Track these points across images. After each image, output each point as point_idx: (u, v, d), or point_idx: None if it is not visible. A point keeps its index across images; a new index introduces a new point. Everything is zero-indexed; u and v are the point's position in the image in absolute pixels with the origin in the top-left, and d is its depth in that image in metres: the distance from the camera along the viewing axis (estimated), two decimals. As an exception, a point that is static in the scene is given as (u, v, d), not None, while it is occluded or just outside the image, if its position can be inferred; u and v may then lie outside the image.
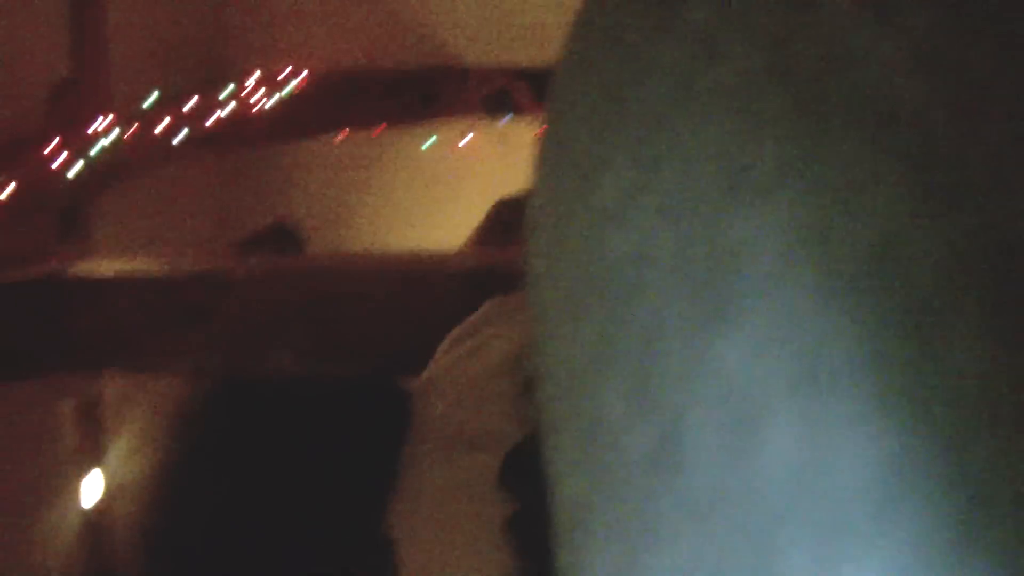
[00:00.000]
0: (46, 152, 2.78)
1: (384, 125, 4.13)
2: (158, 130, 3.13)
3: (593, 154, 0.30)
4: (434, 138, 4.18)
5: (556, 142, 0.33)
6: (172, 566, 1.44)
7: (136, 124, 3.06)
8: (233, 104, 3.48)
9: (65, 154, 2.79)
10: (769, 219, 0.26)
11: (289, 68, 3.72)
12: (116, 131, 2.96)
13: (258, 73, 3.62)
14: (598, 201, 0.30)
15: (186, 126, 3.24)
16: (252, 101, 3.56)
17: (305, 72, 3.74)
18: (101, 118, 2.98)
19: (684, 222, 0.28)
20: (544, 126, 0.34)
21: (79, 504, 2.92)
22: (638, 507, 0.28)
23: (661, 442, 0.27)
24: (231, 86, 3.53)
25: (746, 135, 0.27)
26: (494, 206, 2.66)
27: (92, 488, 2.91)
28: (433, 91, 4.08)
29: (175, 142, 3.19)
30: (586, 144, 0.31)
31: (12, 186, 2.57)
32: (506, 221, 2.54)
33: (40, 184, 2.74)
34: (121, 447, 2.91)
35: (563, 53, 0.34)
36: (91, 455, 2.94)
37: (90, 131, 2.94)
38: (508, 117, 4.16)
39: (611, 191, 0.29)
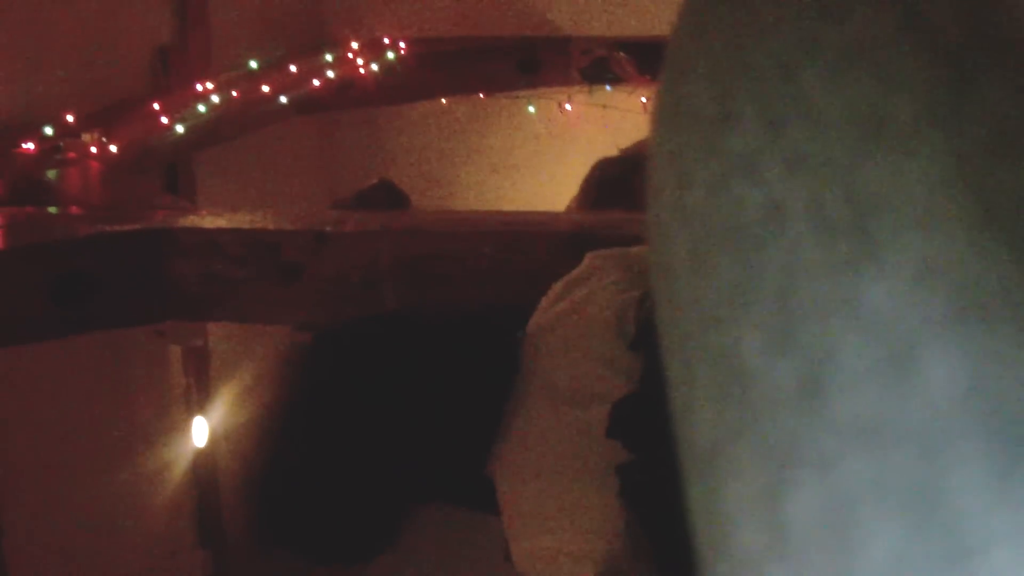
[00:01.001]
0: (152, 112, 2.83)
1: (483, 92, 4.15)
2: (260, 93, 3.16)
3: (717, 110, 0.31)
4: (532, 108, 4.20)
5: (675, 100, 0.33)
6: (277, 502, 1.47)
7: (239, 87, 3.10)
8: (335, 70, 3.51)
9: (170, 115, 2.83)
10: (910, 168, 0.27)
11: (389, 36, 3.75)
12: (220, 94, 3.00)
13: (358, 41, 3.65)
14: (724, 156, 0.31)
15: (288, 90, 3.27)
16: (353, 66, 3.58)
17: (405, 39, 3.77)
18: (204, 82, 3.02)
19: (817, 174, 0.29)
20: (660, 85, 0.35)
21: (189, 444, 2.98)
22: (785, 435, 0.28)
23: (808, 375, 0.28)
24: (333, 52, 3.57)
25: (879, 90, 0.28)
26: (594, 167, 2.66)
27: (201, 429, 2.97)
28: (532, 59, 4.09)
29: (277, 105, 3.22)
30: (709, 101, 0.31)
31: (121, 144, 2.61)
32: (605, 183, 2.54)
33: (147, 143, 2.78)
34: (226, 392, 2.97)
35: (681, 13, 0.34)
36: (199, 399, 2.99)
37: (193, 93, 2.98)
38: (607, 87, 4.16)
39: (738, 146, 0.30)
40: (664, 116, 0.34)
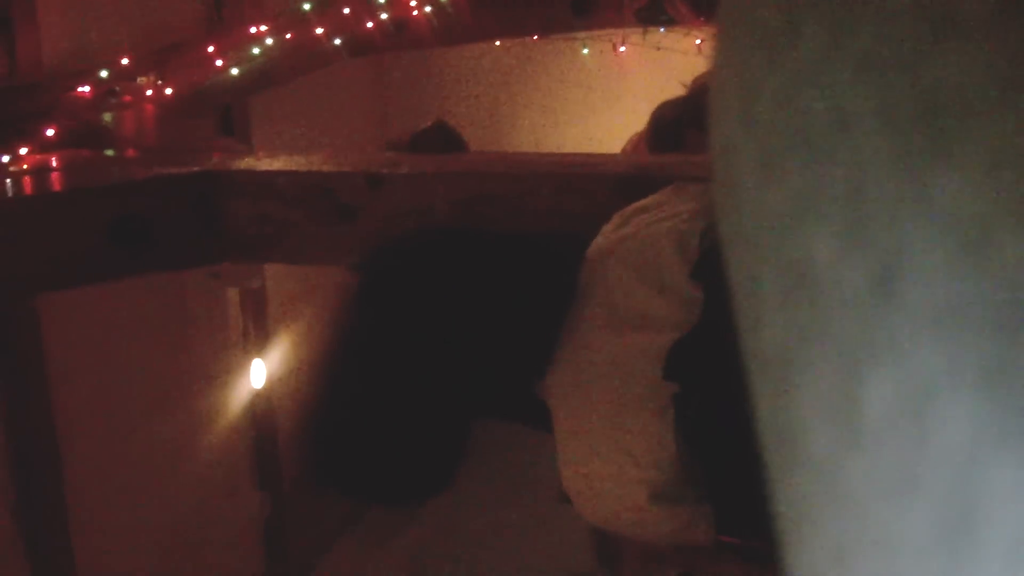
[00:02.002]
0: (206, 55, 2.82)
1: (537, 34, 4.12)
2: (313, 35, 3.15)
3: (781, 23, 0.31)
4: (586, 50, 4.17)
5: (738, 16, 0.34)
6: (334, 443, 1.47)
7: (293, 30, 3.09)
8: (389, 11, 3.49)
9: (225, 58, 2.83)
10: (981, 58, 0.27)
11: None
12: (274, 36, 2.99)
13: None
14: (790, 67, 0.31)
15: (342, 32, 3.26)
16: (407, 8, 3.56)
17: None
18: (258, 25, 3.01)
19: (885, 75, 0.29)
20: (721, 5, 0.35)
21: (247, 385, 3.00)
22: (859, 331, 0.29)
23: (881, 271, 0.28)
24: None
25: None
26: (656, 110, 2.63)
27: (258, 371, 3.00)
28: (586, 0, 4.05)
29: (331, 47, 3.21)
30: (772, 14, 0.32)
31: (176, 87, 2.62)
32: (668, 126, 2.51)
33: (201, 86, 2.78)
34: (283, 333, 2.98)
35: None
36: (257, 340, 3.01)
37: (247, 36, 2.98)
38: (662, 28, 4.12)
39: (804, 56, 0.30)
40: (728, 31, 0.34)
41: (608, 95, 3.77)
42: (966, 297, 0.27)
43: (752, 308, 0.33)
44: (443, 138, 2.93)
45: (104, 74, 2.54)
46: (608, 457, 1.33)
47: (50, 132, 2.23)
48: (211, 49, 2.85)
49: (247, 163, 2.11)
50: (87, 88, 2.49)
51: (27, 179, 2.04)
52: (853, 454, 0.28)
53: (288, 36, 3.07)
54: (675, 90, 2.65)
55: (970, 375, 0.27)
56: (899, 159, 0.28)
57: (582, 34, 3.97)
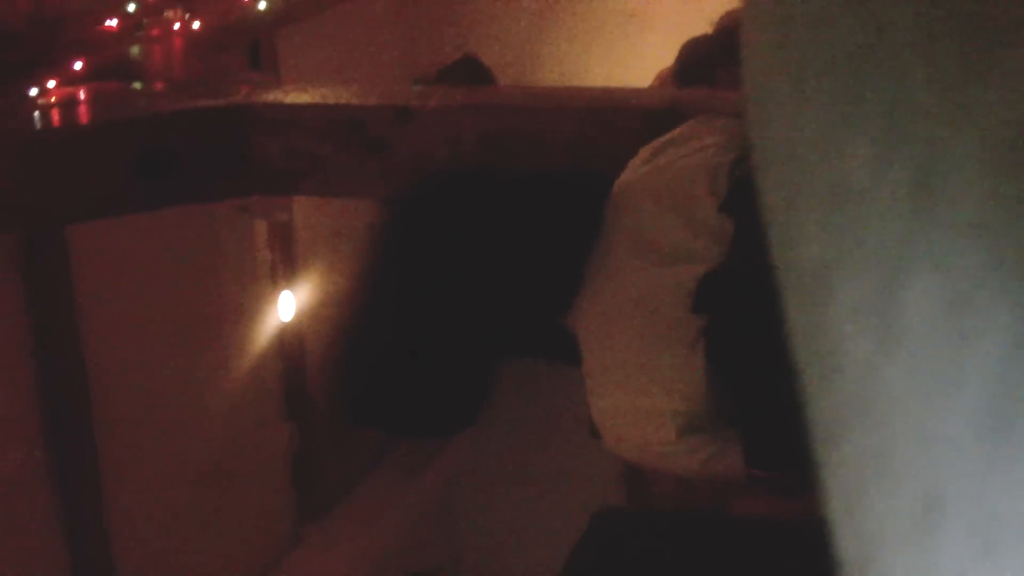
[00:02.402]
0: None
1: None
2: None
3: None
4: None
5: None
6: (363, 376, 1.48)
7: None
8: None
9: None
10: None
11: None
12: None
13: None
14: None
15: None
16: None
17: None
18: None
19: None
20: None
21: (275, 318, 3.02)
22: (897, 243, 0.29)
23: (919, 182, 0.29)
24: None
25: None
26: (684, 46, 2.61)
27: (287, 304, 3.00)
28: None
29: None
30: None
31: (204, 20, 2.61)
32: (697, 62, 2.50)
33: (229, 19, 2.77)
34: (312, 267, 2.99)
35: None
36: (285, 274, 3.02)
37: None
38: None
39: None
40: None
41: (640, 29, 3.73)
42: (1004, 202, 0.27)
43: (789, 227, 0.34)
44: (471, 72, 2.91)
45: (132, 7, 2.53)
46: (637, 390, 1.33)
47: (78, 65, 2.22)
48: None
49: (275, 96, 2.10)
50: (115, 22, 2.48)
51: (55, 112, 2.04)
52: (894, 358, 0.29)
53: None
54: (703, 27, 2.63)
55: (1009, 276, 0.27)
56: (936, 74, 0.28)
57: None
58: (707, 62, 2.44)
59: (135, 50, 2.48)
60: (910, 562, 0.29)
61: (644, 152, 1.46)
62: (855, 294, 0.30)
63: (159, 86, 2.35)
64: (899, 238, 0.29)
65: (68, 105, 2.08)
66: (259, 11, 2.78)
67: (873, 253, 0.30)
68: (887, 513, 0.29)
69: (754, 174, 0.37)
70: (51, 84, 2.14)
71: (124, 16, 2.51)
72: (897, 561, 0.29)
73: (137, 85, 2.31)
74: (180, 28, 2.55)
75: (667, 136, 1.47)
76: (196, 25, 2.56)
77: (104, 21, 2.47)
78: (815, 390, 0.33)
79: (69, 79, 2.20)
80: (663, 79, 2.71)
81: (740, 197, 1.29)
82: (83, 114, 2.10)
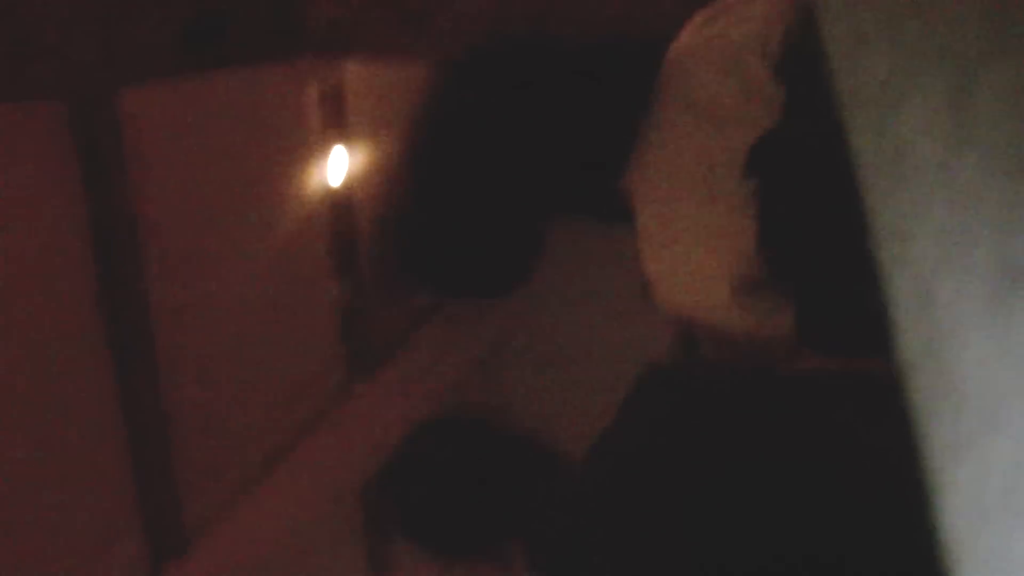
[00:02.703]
0: None
1: None
2: None
3: None
4: None
5: None
6: (415, 235, 1.49)
7: None
8: None
9: None
10: None
11: None
12: None
13: None
14: None
15: None
16: None
17: None
18: None
19: None
20: None
21: (327, 180, 3.02)
22: (967, 45, 0.31)
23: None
24: None
25: None
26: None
27: (338, 167, 3.01)
28: None
29: None
30: None
31: None
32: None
33: None
34: (363, 130, 3.00)
35: None
36: (336, 138, 3.02)
37: None
38: None
39: None
40: None
41: None
42: None
43: (856, 53, 0.35)
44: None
45: None
46: (691, 249, 1.35)
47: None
48: None
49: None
50: None
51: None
52: (967, 150, 0.30)
53: None
54: None
55: None
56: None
57: None
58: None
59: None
60: (988, 334, 0.30)
61: (698, 18, 1.45)
62: (927, 102, 0.32)
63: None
64: (974, 36, 0.30)
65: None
66: None
67: (947, 57, 0.31)
68: (965, 291, 0.30)
69: (807, 35, 0.38)
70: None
71: None
72: (973, 337, 0.30)
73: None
74: None
75: (721, 3, 1.46)
76: None
77: None
78: (883, 199, 0.34)
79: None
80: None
81: (792, 63, 1.28)
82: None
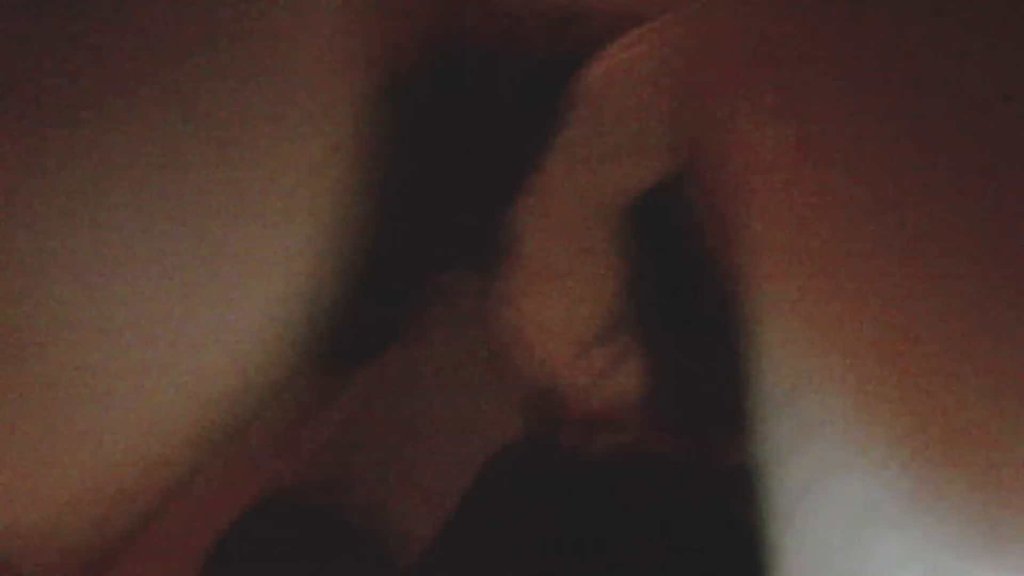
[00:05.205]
0: None
1: None
2: None
3: None
4: None
5: None
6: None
7: None
8: None
9: None
10: None
11: None
12: None
13: None
14: None
15: None
16: None
17: None
18: None
19: None
20: None
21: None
22: None
23: None
24: None
25: None
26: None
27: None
28: None
29: None
30: None
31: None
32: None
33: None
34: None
35: None
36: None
37: None
38: None
39: None
40: None
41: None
42: None
43: None
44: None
45: None
46: (558, 292, 1.33)
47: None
48: None
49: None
50: None
51: None
52: None
53: None
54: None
55: None
56: None
57: None
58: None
59: None
60: None
61: (613, 48, 1.45)
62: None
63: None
64: None
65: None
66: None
67: None
68: None
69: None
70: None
71: None
72: None
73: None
74: None
75: (638, 31, 1.44)
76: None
77: None
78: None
79: None
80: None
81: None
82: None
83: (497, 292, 1.39)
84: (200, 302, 1.16)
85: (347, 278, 1.43)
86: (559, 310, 1.33)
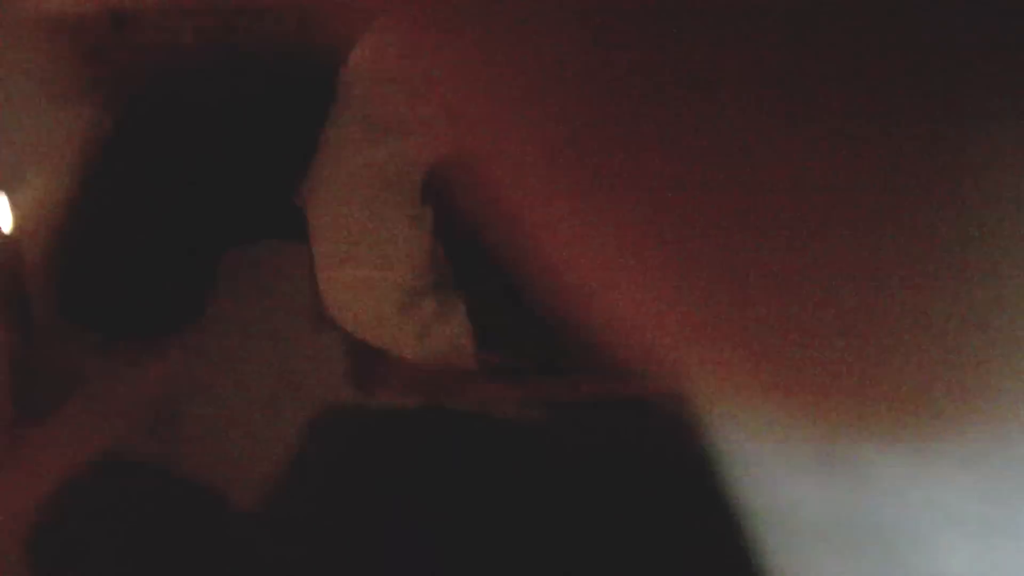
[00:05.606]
0: None
1: None
2: None
3: None
4: None
5: None
6: (74, 273, 1.43)
7: None
8: None
9: None
10: None
11: None
12: None
13: None
14: None
15: None
16: None
17: None
18: None
19: None
20: None
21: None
22: None
23: None
24: None
25: None
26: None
27: (3, 211, 2.88)
28: None
29: None
30: None
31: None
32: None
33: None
34: (34, 168, 2.87)
35: None
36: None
37: None
38: None
39: None
40: None
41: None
42: None
43: None
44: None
45: None
46: (364, 261, 1.35)
47: None
48: None
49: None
50: None
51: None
52: None
53: None
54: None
55: None
56: None
57: None
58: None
59: None
60: None
61: (378, 27, 1.44)
62: None
63: None
64: None
65: None
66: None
67: None
68: None
69: None
70: None
71: None
72: None
73: None
74: None
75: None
76: None
77: None
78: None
79: None
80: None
81: None
82: None
83: (313, 258, 1.40)
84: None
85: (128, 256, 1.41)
86: (373, 271, 1.35)
